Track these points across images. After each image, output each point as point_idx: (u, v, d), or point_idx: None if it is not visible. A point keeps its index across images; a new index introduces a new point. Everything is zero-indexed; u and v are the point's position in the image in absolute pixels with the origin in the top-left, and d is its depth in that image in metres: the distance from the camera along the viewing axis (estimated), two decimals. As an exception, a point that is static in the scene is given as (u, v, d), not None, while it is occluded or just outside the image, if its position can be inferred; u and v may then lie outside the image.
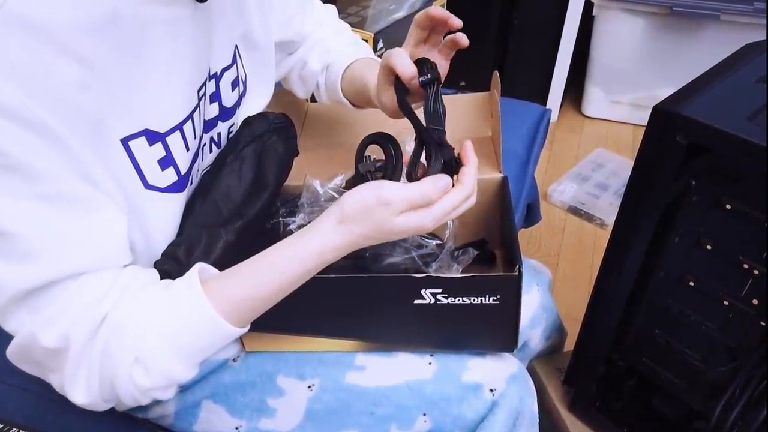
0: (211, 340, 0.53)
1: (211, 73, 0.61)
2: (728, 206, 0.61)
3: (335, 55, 0.81)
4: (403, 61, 0.60)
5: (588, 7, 1.87)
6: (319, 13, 0.83)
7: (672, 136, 0.58)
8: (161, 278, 0.55)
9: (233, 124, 0.68)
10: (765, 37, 0.75)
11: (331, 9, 0.87)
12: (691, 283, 0.69)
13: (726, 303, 0.67)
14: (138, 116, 0.51)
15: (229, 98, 0.66)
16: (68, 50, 0.44)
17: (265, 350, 0.70)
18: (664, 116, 0.59)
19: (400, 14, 1.15)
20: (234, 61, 0.65)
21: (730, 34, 1.76)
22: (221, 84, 0.63)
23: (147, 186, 0.53)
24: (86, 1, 0.45)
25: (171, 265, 0.56)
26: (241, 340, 0.70)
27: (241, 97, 0.68)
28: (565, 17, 1.88)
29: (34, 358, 0.49)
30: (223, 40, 0.63)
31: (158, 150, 0.54)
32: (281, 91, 0.91)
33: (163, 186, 0.55)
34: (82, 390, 0.49)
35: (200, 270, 0.53)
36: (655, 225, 0.66)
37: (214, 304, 0.51)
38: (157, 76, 0.52)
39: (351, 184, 0.66)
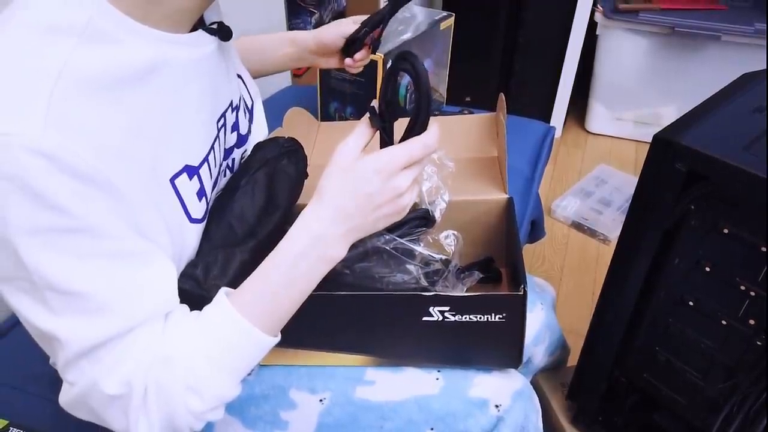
0: (252, 353, 0.55)
1: (233, 105, 0.64)
2: (726, 230, 0.63)
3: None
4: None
5: (592, 26, 1.90)
6: None
7: (671, 163, 0.61)
8: (180, 297, 0.57)
9: (246, 150, 0.71)
10: (763, 61, 0.77)
11: None
12: (691, 303, 0.71)
13: (724, 323, 0.69)
14: (179, 154, 0.54)
15: (244, 126, 0.69)
16: (123, 102, 0.46)
17: (277, 364, 0.73)
18: (664, 145, 0.62)
19: (408, 35, 1.18)
20: (240, 90, 0.69)
21: (731, 54, 1.80)
22: (239, 113, 0.67)
23: (191, 221, 0.56)
24: (131, 52, 0.48)
25: (189, 284, 0.58)
26: (255, 354, 0.72)
27: (249, 123, 0.72)
28: (569, 36, 1.91)
29: (92, 405, 0.51)
30: (232, 70, 0.66)
31: (195, 183, 0.56)
32: (293, 111, 0.94)
33: (200, 217, 0.58)
34: (144, 429, 0.51)
35: (225, 292, 0.55)
36: (656, 247, 0.69)
37: (247, 318, 0.53)
38: (189, 112, 0.55)
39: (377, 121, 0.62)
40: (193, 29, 0.56)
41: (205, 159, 0.58)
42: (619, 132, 2.12)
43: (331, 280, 0.63)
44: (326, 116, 1.22)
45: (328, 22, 1.86)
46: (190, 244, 0.57)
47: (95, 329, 0.47)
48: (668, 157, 0.61)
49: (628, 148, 2.08)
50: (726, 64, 1.80)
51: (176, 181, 0.53)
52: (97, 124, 0.44)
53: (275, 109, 0.92)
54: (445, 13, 1.29)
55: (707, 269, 0.67)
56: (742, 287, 0.65)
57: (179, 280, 0.59)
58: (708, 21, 1.79)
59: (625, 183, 1.87)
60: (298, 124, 0.95)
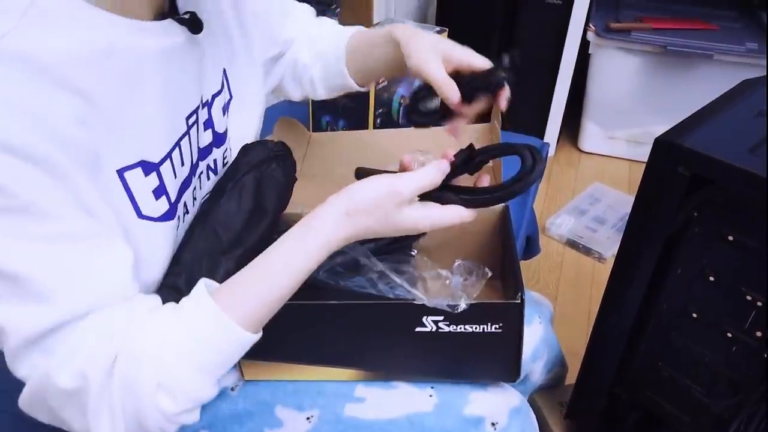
0: (229, 350, 0.51)
1: (203, 101, 0.61)
2: (730, 238, 0.61)
3: (326, 44, 0.80)
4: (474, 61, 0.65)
5: (584, 45, 1.91)
6: (299, 15, 0.83)
7: (674, 167, 0.59)
8: None
9: (227, 150, 0.68)
10: (759, 75, 0.76)
11: (306, 7, 0.85)
12: (694, 315, 0.68)
13: (729, 335, 0.66)
14: (133, 147, 0.51)
15: (220, 123, 0.66)
16: (66, 84, 0.44)
17: (263, 379, 0.69)
18: (666, 148, 0.60)
19: (402, 48, 1.17)
20: (222, 86, 0.66)
21: (723, 73, 1.80)
22: (213, 111, 0.63)
23: (140, 216, 0.53)
24: (83, 34, 0.45)
25: (172, 295, 0.55)
26: (240, 368, 0.69)
27: (227, 120, 0.68)
28: (562, 54, 1.91)
29: (50, 403, 0.47)
30: (213, 66, 0.63)
31: (153, 180, 0.53)
32: (283, 121, 0.92)
33: (156, 216, 0.54)
34: (106, 429, 0.47)
35: (206, 284, 0.52)
36: (658, 256, 0.66)
37: (227, 312, 0.50)
38: (150, 105, 0.52)
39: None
40: (164, 18, 0.53)
41: (168, 156, 0.55)
42: (612, 151, 2.11)
43: (318, 290, 0.60)
44: (318, 129, 1.20)
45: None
46: (145, 243, 0.53)
47: (40, 316, 0.44)
48: (671, 161, 0.59)
49: (621, 167, 2.08)
50: (718, 83, 1.78)
51: (126, 174, 0.50)
52: (35, 102, 0.42)
53: (266, 121, 0.90)
54: (438, 29, 1.28)
55: (711, 279, 0.65)
56: (748, 297, 0.63)
57: (160, 291, 0.56)
58: (700, 40, 1.80)
59: (619, 201, 1.86)
60: (289, 134, 0.93)
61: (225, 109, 0.67)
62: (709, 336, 0.68)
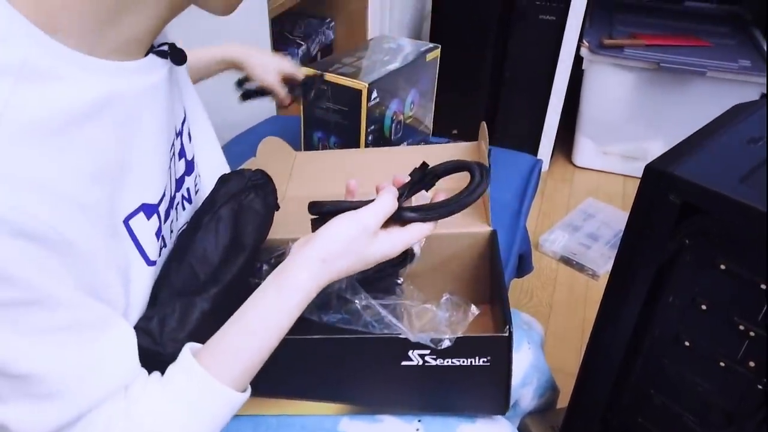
0: (224, 413, 0.50)
1: (177, 131, 0.59)
2: (723, 267, 0.60)
3: None
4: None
5: (578, 61, 1.91)
6: None
7: (665, 195, 0.58)
8: None
9: (197, 176, 0.66)
10: (749, 97, 0.76)
11: None
12: (687, 344, 0.67)
13: (722, 364, 0.65)
14: (135, 192, 0.49)
15: (189, 151, 0.64)
16: (75, 144, 0.41)
17: (245, 413, 0.67)
18: (656, 176, 0.59)
19: (395, 65, 1.16)
20: (184, 111, 0.64)
21: (716, 90, 1.81)
22: (183, 139, 0.62)
23: (149, 263, 0.52)
24: (81, 87, 0.43)
25: (144, 339, 0.52)
26: (222, 398, 0.67)
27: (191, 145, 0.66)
28: (556, 70, 1.92)
29: None
30: (177, 93, 0.61)
31: (154, 222, 0.52)
32: (267, 141, 0.90)
33: (156, 259, 0.53)
34: None
35: (191, 349, 0.51)
36: (650, 283, 0.65)
37: (220, 379, 0.49)
38: (145, 145, 0.50)
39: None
40: (146, 54, 0.51)
41: (163, 195, 0.53)
42: (606, 166, 2.11)
43: (302, 322, 0.58)
44: (309, 146, 1.19)
45: (316, 54, 1.85)
46: (144, 290, 0.52)
47: (50, 416, 0.42)
48: (661, 189, 0.58)
49: (615, 183, 2.07)
50: (711, 100, 1.81)
51: (131, 222, 0.48)
52: (47, 172, 0.39)
53: (256, 141, 0.89)
54: (431, 45, 1.27)
55: (703, 307, 0.64)
56: (741, 327, 0.62)
57: None
58: (693, 57, 1.80)
59: (613, 217, 1.85)
60: (273, 154, 0.92)
61: (188, 134, 0.65)
62: (702, 365, 0.67)
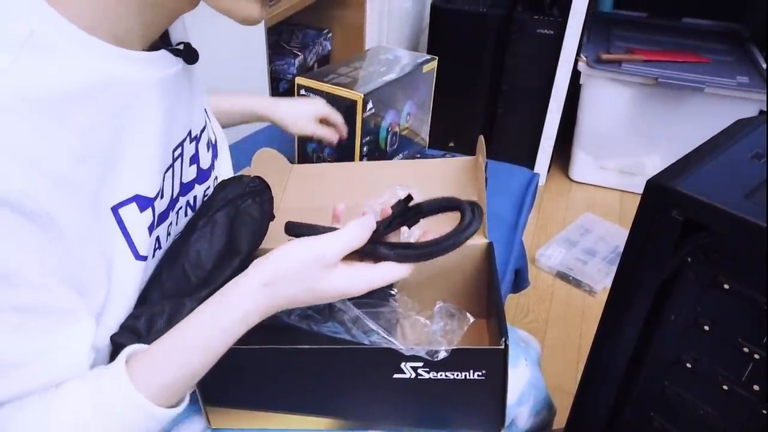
0: (147, 426, 0.48)
1: (192, 135, 0.59)
2: (726, 286, 0.58)
3: None
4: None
5: (575, 75, 1.91)
6: None
7: (667, 211, 0.56)
8: (116, 351, 0.50)
9: (208, 187, 0.66)
10: (747, 113, 0.74)
11: None
12: (689, 365, 0.65)
13: (725, 387, 0.63)
14: (128, 181, 0.49)
15: (205, 160, 0.64)
16: (67, 121, 0.42)
17: (231, 428, 0.65)
18: (658, 191, 0.57)
19: (391, 76, 1.15)
20: (206, 123, 0.64)
21: (714, 106, 1.80)
22: (199, 146, 0.62)
23: (138, 257, 0.50)
24: (83, 66, 0.43)
25: (130, 338, 0.51)
26: (207, 416, 0.64)
27: (213, 158, 0.67)
28: (553, 84, 1.91)
29: None
30: (199, 100, 0.62)
31: (148, 216, 0.51)
32: (262, 152, 0.89)
33: (146, 254, 0.52)
34: None
35: (129, 355, 0.49)
36: (650, 302, 0.63)
37: (143, 391, 0.47)
38: (146, 138, 0.50)
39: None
40: (156, 48, 0.52)
41: (161, 191, 0.53)
42: (603, 181, 2.10)
43: (289, 332, 0.56)
44: (303, 157, 1.17)
45: (312, 65, 1.84)
46: (130, 285, 0.51)
47: None
48: (663, 205, 0.56)
49: (612, 198, 2.06)
50: (709, 116, 1.80)
51: (121, 211, 0.48)
52: (37, 146, 0.39)
53: (251, 150, 0.88)
54: (428, 56, 1.26)
55: (706, 328, 0.62)
56: (745, 349, 0.60)
57: (118, 333, 0.52)
58: (691, 73, 1.80)
59: (610, 232, 1.84)
60: (268, 165, 0.90)
61: (209, 145, 0.65)
62: (704, 387, 0.65)
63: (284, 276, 0.49)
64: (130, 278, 0.51)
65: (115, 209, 0.47)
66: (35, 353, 0.43)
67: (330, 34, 1.89)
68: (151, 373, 0.48)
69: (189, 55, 0.55)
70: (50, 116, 0.40)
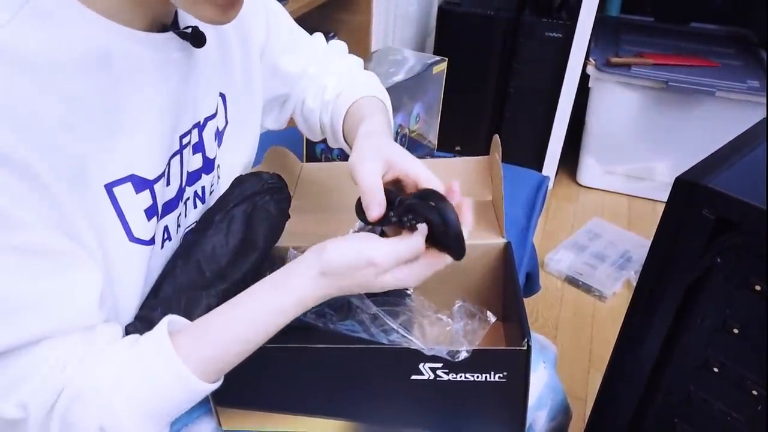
0: (183, 398, 0.48)
1: (196, 122, 0.58)
2: (758, 287, 0.56)
3: (332, 93, 0.76)
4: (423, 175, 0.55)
5: (584, 79, 1.89)
6: (311, 50, 0.79)
7: (698, 210, 0.54)
8: None
9: (215, 178, 0.65)
10: (756, 118, 0.73)
11: (339, 44, 0.83)
12: (716, 370, 0.63)
13: (754, 393, 0.61)
14: (124, 161, 0.48)
15: (211, 149, 0.62)
16: (56, 88, 0.42)
17: (242, 429, 0.63)
18: (688, 188, 0.55)
19: (399, 77, 1.14)
20: (217, 111, 0.63)
21: (724, 111, 1.79)
22: (204, 134, 0.60)
23: (132, 239, 0.50)
24: (79, 38, 0.43)
25: (145, 329, 0.50)
26: (217, 417, 0.63)
27: (218, 147, 0.65)
28: (561, 88, 1.89)
29: None
30: (208, 88, 0.60)
31: (145, 198, 0.50)
32: (274, 150, 0.88)
33: (147, 238, 0.51)
34: None
35: (169, 323, 0.48)
36: (677, 305, 0.61)
37: (186, 362, 0.46)
38: (144, 119, 0.49)
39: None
40: (164, 30, 0.51)
41: (163, 174, 0.52)
42: (612, 186, 2.08)
43: (303, 330, 0.55)
44: (312, 157, 1.15)
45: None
46: (131, 269, 0.50)
47: None
48: (694, 203, 0.54)
49: (620, 203, 2.04)
50: (719, 120, 1.79)
51: (115, 190, 0.47)
52: (21, 103, 0.40)
53: (259, 149, 0.86)
54: (438, 57, 1.25)
55: (735, 331, 0.60)
56: (776, 352, 0.58)
57: (133, 324, 0.52)
58: (701, 77, 1.78)
59: (620, 237, 1.82)
60: (279, 163, 0.89)
61: (218, 135, 0.63)
62: (732, 393, 0.63)
63: (339, 272, 0.50)
64: (128, 261, 0.50)
65: (109, 187, 0.47)
66: (40, 294, 0.42)
67: (336, 38, 1.88)
68: (199, 345, 0.48)
69: (196, 38, 0.54)
70: (39, 79, 0.41)
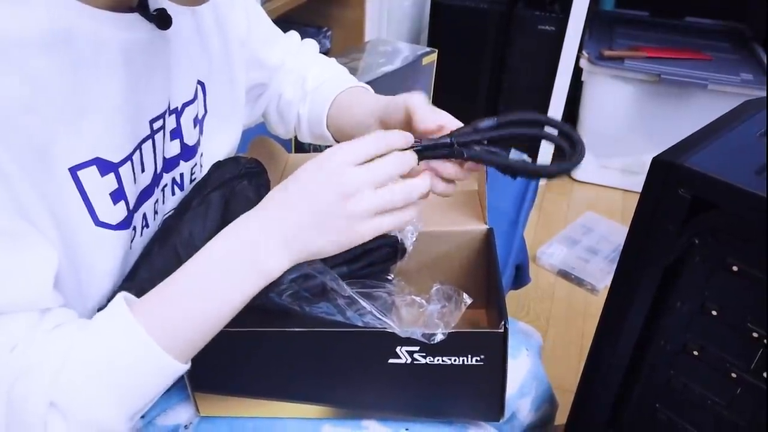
0: (147, 373, 0.46)
1: (171, 107, 0.58)
2: (735, 268, 0.56)
3: (314, 83, 0.77)
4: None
5: (577, 72, 1.89)
6: (287, 44, 0.81)
7: (674, 189, 0.54)
8: None
9: (195, 165, 0.64)
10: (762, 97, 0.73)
11: (309, 42, 0.85)
12: (695, 353, 0.63)
13: (734, 375, 0.61)
14: (88, 143, 0.47)
15: (191, 136, 0.62)
16: (16, 67, 0.41)
17: (220, 415, 0.63)
18: (665, 168, 0.55)
19: (391, 67, 1.14)
20: (196, 97, 0.62)
21: (718, 103, 1.78)
22: (182, 120, 0.60)
23: (98, 223, 0.49)
24: (39, 16, 0.42)
25: None
26: (195, 403, 0.62)
27: (200, 134, 0.65)
28: (554, 81, 1.89)
29: None
30: (185, 74, 0.60)
31: (110, 182, 0.49)
32: (258, 140, 0.87)
33: (114, 222, 0.50)
34: None
35: (125, 297, 0.47)
36: (655, 288, 0.61)
37: (147, 329, 0.45)
38: (109, 100, 0.49)
39: None
40: (130, 11, 0.50)
41: (129, 158, 0.51)
42: (605, 180, 2.07)
43: (280, 315, 0.54)
44: (300, 147, 1.15)
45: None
46: (96, 252, 0.49)
47: None
48: (670, 182, 0.54)
49: (614, 197, 2.04)
50: (712, 113, 1.75)
51: (80, 173, 0.46)
52: None
53: (246, 139, 0.86)
54: (428, 49, 1.25)
55: (714, 313, 0.60)
56: (755, 334, 0.57)
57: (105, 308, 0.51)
58: (694, 70, 1.78)
59: (613, 231, 1.82)
60: (265, 152, 0.88)
61: (197, 122, 0.63)
62: (712, 376, 0.62)
63: (297, 180, 0.50)
64: (96, 246, 0.49)
65: (73, 170, 0.46)
66: None
67: (329, 33, 1.88)
68: (155, 309, 0.46)
69: (161, 20, 0.53)
70: None
